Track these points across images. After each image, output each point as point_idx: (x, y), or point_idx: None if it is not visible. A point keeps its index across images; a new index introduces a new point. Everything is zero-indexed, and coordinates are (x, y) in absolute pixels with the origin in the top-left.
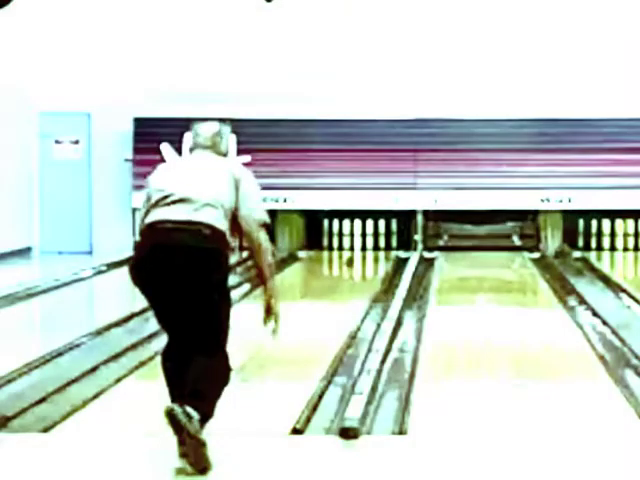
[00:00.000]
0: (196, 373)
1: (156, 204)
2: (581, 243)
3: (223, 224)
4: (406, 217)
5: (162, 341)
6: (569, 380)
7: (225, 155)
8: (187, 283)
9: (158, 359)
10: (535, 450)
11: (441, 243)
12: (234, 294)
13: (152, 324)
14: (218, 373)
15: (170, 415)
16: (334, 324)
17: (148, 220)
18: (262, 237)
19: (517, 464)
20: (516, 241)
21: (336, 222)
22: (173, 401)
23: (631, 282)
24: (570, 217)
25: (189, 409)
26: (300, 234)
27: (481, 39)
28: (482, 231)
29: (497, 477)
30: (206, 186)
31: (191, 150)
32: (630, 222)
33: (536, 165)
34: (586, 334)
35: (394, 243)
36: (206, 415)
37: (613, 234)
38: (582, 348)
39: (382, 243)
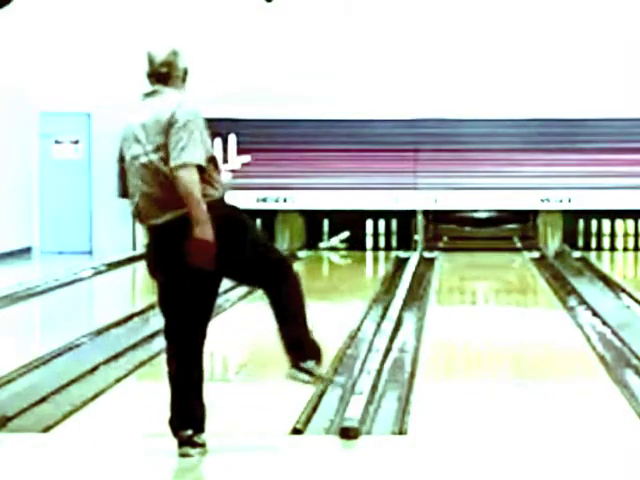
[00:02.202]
0: (280, 305)
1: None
2: (581, 243)
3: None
4: (406, 217)
5: (162, 341)
6: (569, 380)
7: (185, 77)
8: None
9: (158, 359)
10: (535, 450)
11: (441, 245)
12: (234, 294)
13: (152, 324)
14: (296, 295)
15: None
16: (334, 324)
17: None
18: (182, 181)
19: (517, 464)
20: (516, 241)
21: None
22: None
23: (631, 282)
24: (570, 217)
25: (306, 365)
26: (300, 234)
27: (481, 39)
28: (482, 231)
29: (497, 477)
30: (160, 180)
31: (148, 78)
32: (630, 222)
33: (536, 165)
34: (586, 334)
35: (394, 243)
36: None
37: (613, 234)
38: (582, 348)
39: (382, 243)
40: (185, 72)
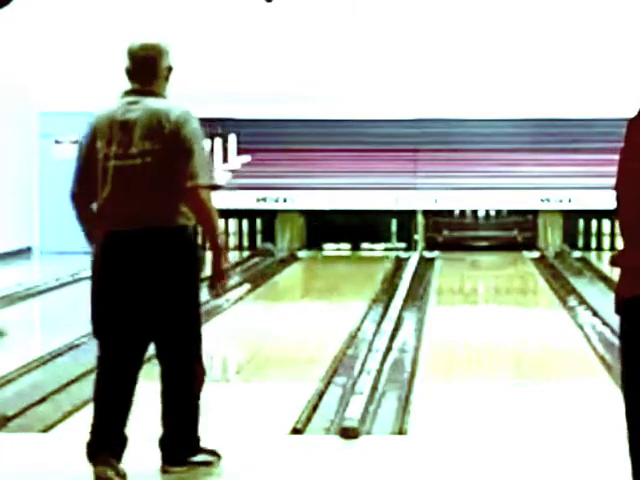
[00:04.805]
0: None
1: None
2: (581, 243)
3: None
4: (406, 217)
5: None
6: (569, 380)
7: (168, 76)
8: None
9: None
10: (535, 450)
11: (441, 245)
12: (233, 294)
13: None
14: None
15: None
16: (334, 324)
17: None
18: (207, 204)
19: (517, 464)
20: (516, 241)
21: None
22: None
23: None
24: (570, 217)
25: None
26: (300, 234)
27: (481, 40)
28: (482, 231)
29: (497, 477)
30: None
31: (127, 74)
32: None
33: (536, 165)
34: (586, 334)
35: (394, 243)
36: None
37: (613, 234)
38: (582, 348)
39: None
40: (169, 70)
